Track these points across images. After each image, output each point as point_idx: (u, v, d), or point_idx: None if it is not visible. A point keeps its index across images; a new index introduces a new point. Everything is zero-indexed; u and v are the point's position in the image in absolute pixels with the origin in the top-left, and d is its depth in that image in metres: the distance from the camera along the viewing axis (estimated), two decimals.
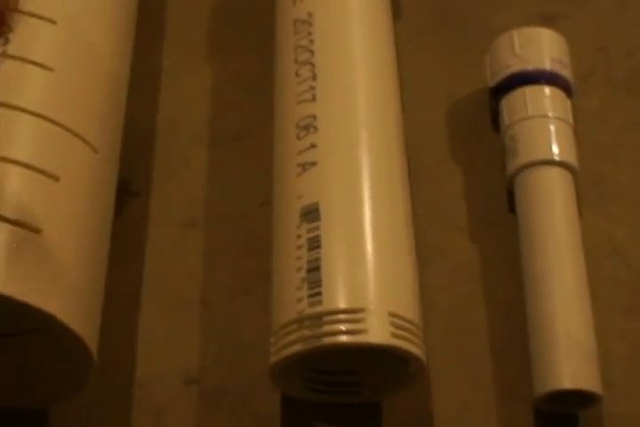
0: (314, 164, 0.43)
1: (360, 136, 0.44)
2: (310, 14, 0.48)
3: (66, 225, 0.38)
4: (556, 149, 0.47)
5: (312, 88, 0.45)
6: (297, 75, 0.46)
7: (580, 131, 0.49)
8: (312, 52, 0.46)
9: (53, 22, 0.42)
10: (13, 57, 0.40)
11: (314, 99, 0.45)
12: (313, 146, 0.43)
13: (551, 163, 0.47)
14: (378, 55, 0.47)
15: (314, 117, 0.44)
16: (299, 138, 0.44)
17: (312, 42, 0.47)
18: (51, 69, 0.41)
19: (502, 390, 0.44)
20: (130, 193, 0.49)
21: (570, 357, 0.42)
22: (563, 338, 0.42)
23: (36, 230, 0.37)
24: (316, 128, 0.44)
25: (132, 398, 0.43)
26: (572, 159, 0.47)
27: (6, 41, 0.40)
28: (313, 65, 0.46)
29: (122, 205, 0.48)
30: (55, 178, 0.38)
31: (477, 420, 0.43)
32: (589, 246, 0.46)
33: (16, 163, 0.38)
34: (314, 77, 0.45)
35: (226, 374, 0.44)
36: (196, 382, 0.44)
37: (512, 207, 0.48)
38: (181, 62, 0.54)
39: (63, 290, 0.37)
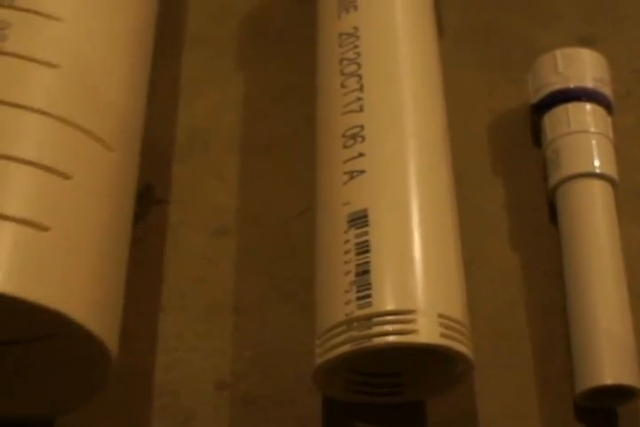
0: (362, 172, 0.43)
1: (407, 145, 0.44)
2: (356, 28, 0.48)
3: (77, 223, 0.37)
4: (597, 162, 0.48)
5: (359, 99, 0.46)
6: (343, 86, 0.47)
7: (618, 146, 0.50)
8: (359, 65, 0.47)
9: (58, 19, 0.41)
10: (13, 54, 0.39)
11: (361, 109, 0.45)
12: (361, 155, 0.44)
13: (593, 175, 0.48)
14: (424, 68, 0.48)
15: (361, 127, 0.45)
16: (345, 147, 0.44)
17: (359, 54, 0.47)
18: (56, 67, 0.40)
19: (544, 388, 0.45)
20: (155, 200, 0.49)
21: (611, 354, 0.43)
22: (604, 337, 0.44)
23: (44, 229, 0.36)
24: (363, 138, 0.44)
25: (159, 404, 0.43)
26: (612, 172, 0.48)
27: (3, 38, 0.40)
28: (360, 77, 0.46)
29: (145, 211, 0.49)
30: (65, 176, 0.38)
31: (520, 416, 0.44)
32: (628, 255, 0.47)
33: (24, 161, 0.37)
34: (361, 89, 0.46)
35: (260, 379, 0.44)
36: (229, 387, 0.44)
37: (552, 218, 0.49)
38: (213, 71, 0.54)
39: (74, 289, 0.36)
